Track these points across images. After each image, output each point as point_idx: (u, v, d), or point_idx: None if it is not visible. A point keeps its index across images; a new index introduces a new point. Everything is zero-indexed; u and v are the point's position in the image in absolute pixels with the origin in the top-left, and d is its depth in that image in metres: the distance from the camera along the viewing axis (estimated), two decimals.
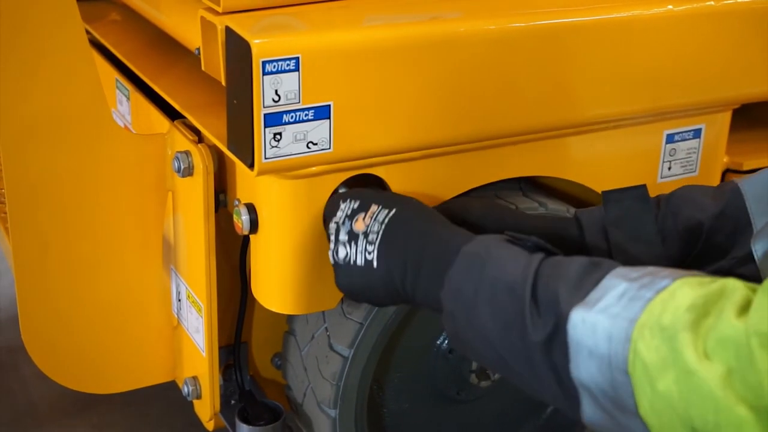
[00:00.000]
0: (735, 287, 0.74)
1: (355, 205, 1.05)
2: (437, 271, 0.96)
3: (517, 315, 0.85)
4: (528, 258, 0.89)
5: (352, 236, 1.03)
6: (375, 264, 1.01)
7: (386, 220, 1.02)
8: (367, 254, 1.02)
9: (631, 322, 0.76)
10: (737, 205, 1.05)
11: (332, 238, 1.06)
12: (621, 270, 0.83)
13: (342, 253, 1.05)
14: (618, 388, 0.76)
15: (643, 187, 1.10)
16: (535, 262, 0.88)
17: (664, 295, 0.76)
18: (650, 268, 0.82)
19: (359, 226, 1.03)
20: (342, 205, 1.06)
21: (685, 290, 0.76)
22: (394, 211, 1.03)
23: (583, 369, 0.79)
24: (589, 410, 0.81)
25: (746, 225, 1.03)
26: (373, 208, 1.04)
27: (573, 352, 0.80)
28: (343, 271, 1.05)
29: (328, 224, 1.08)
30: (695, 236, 1.07)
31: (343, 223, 1.05)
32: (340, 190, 1.11)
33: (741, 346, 0.69)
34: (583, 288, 0.82)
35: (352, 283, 1.05)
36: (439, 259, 0.96)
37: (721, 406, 0.69)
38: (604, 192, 1.10)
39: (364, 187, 1.11)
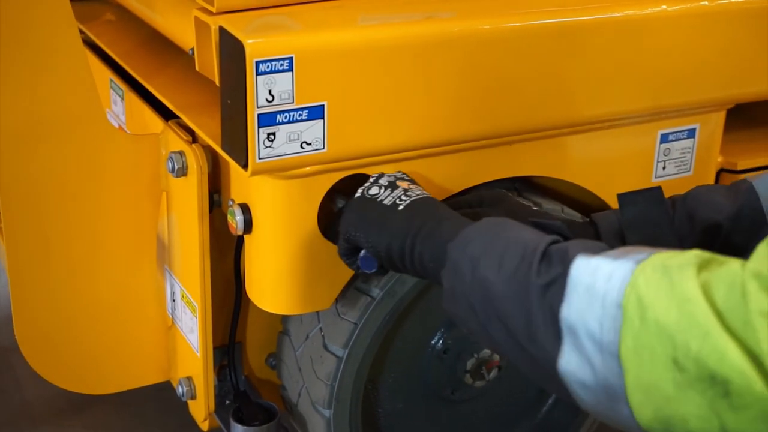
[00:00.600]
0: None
1: (398, 175, 1.08)
2: (455, 227, 0.96)
3: (525, 265, 0.85)
4: (543, 233, 0.91)
5: (393, 186, 1.06)
6: (400, 207, 1.03)
7: (424, 195, 1.04)
8: (398, 200, 1.04)
9: (636, 262, 0.77)
10: (753, 206, 1.05)
11: (370, 180, 1.08)
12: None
13: (374, 190, 1.07)
14: (606, 323, 0.76)
15: (658, 189, 1.10)
16: (551, 237, 0.89)
17: (676, 252, 0.77)
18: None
19: (403, 184, 1.06)
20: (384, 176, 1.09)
21: (696, 251, 0.77)
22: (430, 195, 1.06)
23: (575, 307, 0.79)
24: (567, 355, 0.79)
25: (762, 224, 1.04)
26: (413, 186, 1.06)
27: (569, 291, 0.80)
28: (362, 203, 1.06)
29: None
30: (713, 237, 1.07)
31: (389, 176, 1.07)
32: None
33: (737, 285, 0.69)
34: (596, 247, 0.83)
35: (363, 216, 1.05)
36: (460, 220, 0.98)
37: (709, 334, 0.69)
38: (619, 195, 1.09)
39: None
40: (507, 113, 1.17)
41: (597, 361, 0.77)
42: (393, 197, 1.05)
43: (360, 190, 1.08)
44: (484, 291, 0.88)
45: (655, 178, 1.35)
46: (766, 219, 1.03)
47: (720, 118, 1.36)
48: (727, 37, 1.27)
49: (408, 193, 1.05)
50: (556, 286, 0.81)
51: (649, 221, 1.09)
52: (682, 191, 1.38)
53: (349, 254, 1.07)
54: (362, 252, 1.05)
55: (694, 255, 0.75)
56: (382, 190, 1.06)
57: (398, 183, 1.07)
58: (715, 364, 0.68)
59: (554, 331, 0.81)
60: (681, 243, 1.07)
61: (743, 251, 1.02)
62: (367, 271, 1.06)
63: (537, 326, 0.82)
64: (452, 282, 0.92)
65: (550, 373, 0.81)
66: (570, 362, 0.79)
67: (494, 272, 0.87)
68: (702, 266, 0.73)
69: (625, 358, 0.74)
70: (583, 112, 1.22)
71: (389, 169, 1.14)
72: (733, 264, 0.72)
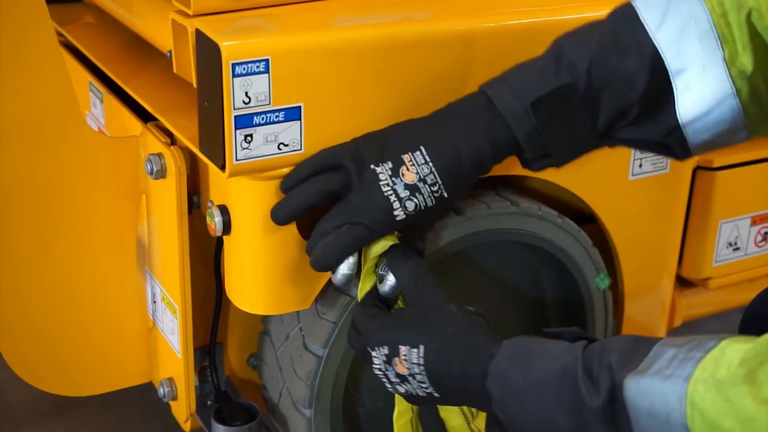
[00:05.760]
0: None
1: (385, 351, 1.04)
2: (481, 366, 0.97)
3: (572, 392, 0.87)
4: (571, 345, 0.92)
5: (402, 378, 1.03)
6: (436, 395, 1.03)
7: (422, 361, 1.01)
8: (425, 388, 1.03)
9: (685, 379, 0.79)
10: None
11: (384, 380, 1.06)
12: (668, 339, 0.86)
13: (402, 389, 1.05)
14: None
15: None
16: (580, 347, 0.91)
17: (715, 353, 0.79)
18: (695, 336, 0.85)
19: (402, 369, 1.03)
20: (373, 354, 1.05)
21: (734, 346, 0.79)
22: (422, 349, 1.01)
23: (645, 430, 0.82)
24: None
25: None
26: (403, 350, 1.02)
27: (633, 416, 0.82)
28: (409, 399, 1.08)
29: (362, 352, 1.07)
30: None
31: (387, 369, 1.04)
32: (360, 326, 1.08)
33: None
34: (634, 359, 0.85)
35: (421, 401, 1.06)
36: (481, 356, 0.98)
37: None
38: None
39: None
40: None
41: None
42: (418, 387, 1.03)
43: (390, 388, 1.06)
44: (538, 424, 0.91)
45: (632, 176, 1.36)
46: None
47: None
48: None
49: (417, 378, 1.02)
50: (616, 410, 0.83)
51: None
52: (658, 189, 1.40)
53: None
54: None
55: (739, 363, 0.77)
56: (406, 385, 1.04)
57: (398, 370, 1.03)
58: None
59: None
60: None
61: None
62: None
63: None
64: (506, 416, 0.95)
65: None
66: None
67: (542, 403, 0.90)
68: (752, 373, 0.76)
69: None
70: None
71: None
72: None
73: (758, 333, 0.96)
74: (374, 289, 1.11)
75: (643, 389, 0.81)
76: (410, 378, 1.02)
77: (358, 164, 1.06)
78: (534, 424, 0.91)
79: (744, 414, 0.74)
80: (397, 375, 1.03)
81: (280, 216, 1.08)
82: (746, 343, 0.79)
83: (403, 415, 1.17)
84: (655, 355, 0.84)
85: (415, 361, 1.00)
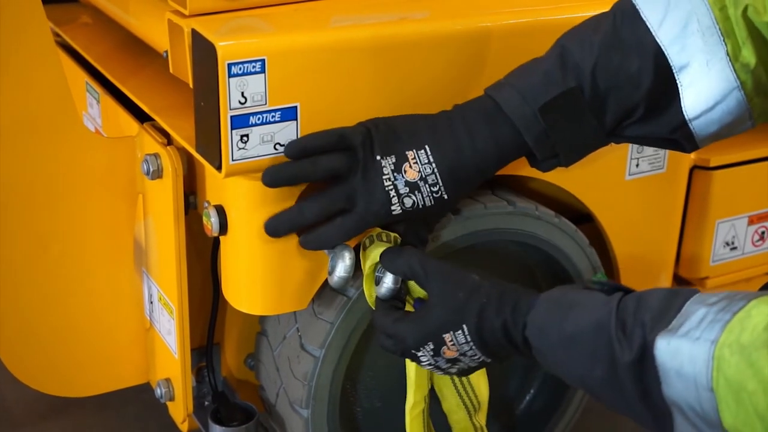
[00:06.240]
0: None
1: (431, 346, 1.04)
2: (522, 319, 0.99)
3: (605, 345, 0.89)
4: (607, 298, 0.93)
5: (453, 360, 1.05)
6: (487, 360, 1.05)
7: (469, 338, 1.02)
8: (476, 359, 1.05)
9: (712, 343, 0.80)
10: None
11: (435, 370, 1.08)
12: (700, 296, 0.87)
13: (455, 370, 1.07)
14: (704, 405, 0.81)
15: None
16: (615, 300, 0.92)
17: (741, 315, 0.81)
18: (727, 292, 0.86)
19: (452, 354, 1.04)
20: (419, 354, 1.05)
21: (761, 308, 0.80)
22: (465, 328, 1.02)
23: (673, 388, 0.83)
24: (681, 427, 0.85)
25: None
26: (447, 337, 1.03)
27: (662, 374, 0.84)
28: (461, 373, 1.10)
29: (405, 355, 1.08)
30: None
31: (437, 361, 1.06)
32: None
33: None
34: (666, 316, 0.86)
35: (474, 370, 1.09)
36: (519, 310, 1.00)
37: None
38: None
39: None
40: None
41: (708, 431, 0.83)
42: (470, 358, 1.05)
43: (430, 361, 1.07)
44: (574, 372, 0.94)
45: (629, 175, 1.36)
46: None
47: None
48: None
49: (469, 354, 1.04)
50: (646, 367, 0.86)
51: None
52: (655, 189, 1.40)
53: None
54: None
55: (765, 326, 0.78)
56: (459, 361, 1.06)
57: (446, 355, 1.04)
58: None
59: (660, 408, 0.86)
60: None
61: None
62: None
63: (639, 407, 0.88)
64: (545, 363, 0.98)
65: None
66: (685, 429, 0.85)
67: (577, 355, 0.92)
68: None
69: (731, 429, 0.80)
70: None
71: None
72: None
73: None
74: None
75: (673, 350, 0.83)
76: (462, 357, 1.04)
77: (366, 152, 1.06)
78: (571, 372, 0.94)
79: (765, 377, 0.75)
80: (448, 360, 1.05)
81: (277, 179, 1.07)
82: None
83: (417, 406, 1.18)
84: (686, 314, 0.85)
85: (463, 341, 1.02)
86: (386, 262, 1.08)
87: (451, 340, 1.02)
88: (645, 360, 0.85)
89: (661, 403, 0.85)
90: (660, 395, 0.85)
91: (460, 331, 1.02)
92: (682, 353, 0.82)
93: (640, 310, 0.88)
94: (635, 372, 0.86)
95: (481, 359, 1.05)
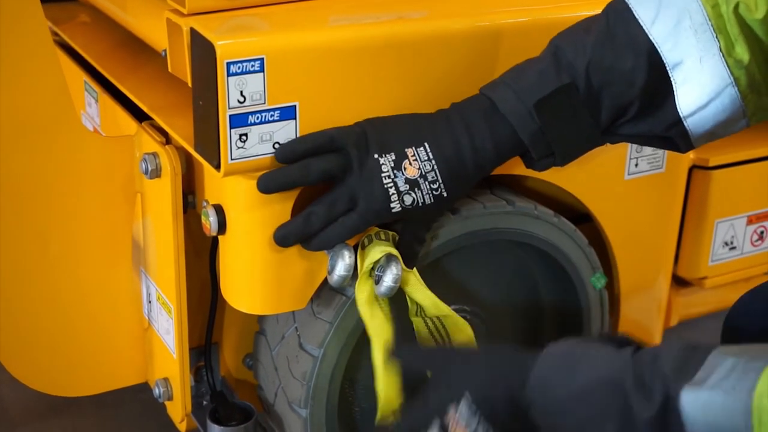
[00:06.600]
0: None
1: (438, 424, 0.98)
2: (522, 377, 0.93)
3: (621, 401, 0.83)
4: (619, 351, 0.88)
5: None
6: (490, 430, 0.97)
7: (471, 408, 0.95)
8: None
9: (749, 392, 0.76)
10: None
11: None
12: (723, 348, 0.83)
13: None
14: None
15: None
16: (628, 352, 0.87)
17: None
18: (754, 345, 0.82)
19: (455, 428, 0.96)
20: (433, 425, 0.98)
21: None
22: (468, 397, 0.95)
23: None
24: None
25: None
26: (451, 413, 0.96)
27: (690, 428, 0.79)
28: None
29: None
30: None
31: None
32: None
33: None
34: (688, 368, 0.81)
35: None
36: (519, 368, 0.94)
37: None
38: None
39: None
40: None
41: None
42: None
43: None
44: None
45: (628, 175, 1.36)
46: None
47: None
48: None
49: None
50: (669, 422, 0.80)
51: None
52: (654, 189, 1.40)
53: None
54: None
55: None
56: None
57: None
58: None
59: None
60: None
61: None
62: None
63: None
64: (548, 423, 0.91)
65: None
66: None
67: (588, 413, 0.86)
68: None
69: None
70: None
71: None
72: None
73: (741, 337, 0.94)
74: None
75: (703, 403, 0.78)
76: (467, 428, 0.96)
77: (361, 151, 1.06)
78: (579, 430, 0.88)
79: None
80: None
81: (271, 186, 1.06)
82: None
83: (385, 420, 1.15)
84: (711, 366, 0.80)
85: (466, 415, 0.95)
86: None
87: (456, 415, 0.96)
88: (668, 415, 0.80)
89: None
90: None
91: (464, 403, 0.95)
92: (714, 406, 0.77)
93: (659, 362, 0.83)
94: (656, 428, 0.81)
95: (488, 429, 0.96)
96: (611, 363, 0.87)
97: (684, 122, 1.02)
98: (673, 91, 1.02)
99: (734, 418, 0.76)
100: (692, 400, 0.79)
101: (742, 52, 0.98)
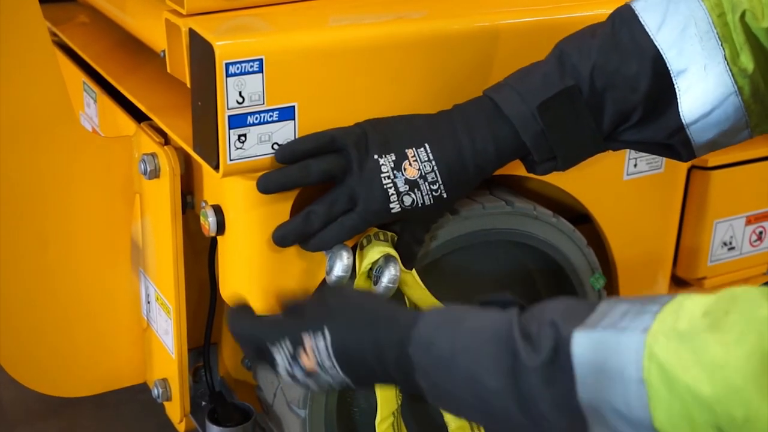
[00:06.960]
0: (746, 289, 0.74)
1: (289, 346, 0.94)
2: (398, 334, 0.89)
3: (507, 353, 0.80)
4: (503, 311, 0.86)
5: (309, 374, 0.94)
6: (350, 383, 0.94)
7: (329, 346, 0.92)
8: (338, 380, 0.94)
9: (642, 331, 0.74)
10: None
11: (292, 382, 0.98)
12: (613, 298, 0.82)
13: (313, 383, 0.96)
14: (632, 401, 0.74)
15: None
16: (514, 311, 0.85)
17: (673, 306, 0.75)
18: (644, 296, 0.80)
19: (308, 363, 0.93)
20: (277, 357, 0.95)
21: (694, 299, 0.75)
22: (326, 332, 0.92)
23: (592, 389, 0.76)
24: None
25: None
26: (306, 339, 0.93)
27: (579, 373, 0.76)
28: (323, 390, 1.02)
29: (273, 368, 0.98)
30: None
31: (292, 367, 0.95)
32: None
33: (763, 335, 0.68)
34: (578, 315, 0.80)
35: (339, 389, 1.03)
36: (399, 325, 0.90)
37: (752, 399, 0.67)
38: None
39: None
40: None
41: None
42: (329, 381, 0.94)
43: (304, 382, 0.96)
44: (468, 390, 0.84)
45: (627, 175, 1.36)
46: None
47: None
48: None
49: (329, 372, 0.93)
50: (558, 369, 0.78)
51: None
52: (653, 189, 1.40)
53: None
54: None
55: (702, 314, 0.73)
56: (314, 382, 0.95)
57: (305, 365, 0.93)
58: (765, 426, 0.67)
59: (574, 417, 0.78)
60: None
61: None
62: None
63: (543, 411, 0.79)
64: (429, 383, 0.87)
65: None
66: None
67: (474, 368, 0.83)
68: (717, 322, 0.71)
69: (662, 428, 0.73)
70: None
71: None
72: (756, 307, 0.70)
73: None
74: None
75: (595, 342, 0.76)
76: (319, 374, 0.93)
77: (361, 151, 1.06)
78: (462, 389, 0.84)
79: (711, 362, 0.69)
80: (304, 373, 0.94)
81: (270, 187, 1.06)
82: (706, 297, 0.74)
83: (385, 421, 1.16)
84: (603, 311, 0.78)
85: (322, 347, 0.92)
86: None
87: (311, 346, 0.92)
88: (558, 360, 0.77)
89: (575, 411, 0.77)
90: (574, 401, 0.77)
91: (321, 338, 0.91)
92: (606, 345, 0.75)
93: (546, 312, 0.81)
94: (545, 376, 0.77)
95: (343, 380, 0.93)
96: (497, 319, 0.84)
97: (687, 130, 1.03)
98: (676, 98, 1.02)
99: (625, 355, 0.74)
100: (584, 342, 0.76)
101: (747, 61, 0.98)
